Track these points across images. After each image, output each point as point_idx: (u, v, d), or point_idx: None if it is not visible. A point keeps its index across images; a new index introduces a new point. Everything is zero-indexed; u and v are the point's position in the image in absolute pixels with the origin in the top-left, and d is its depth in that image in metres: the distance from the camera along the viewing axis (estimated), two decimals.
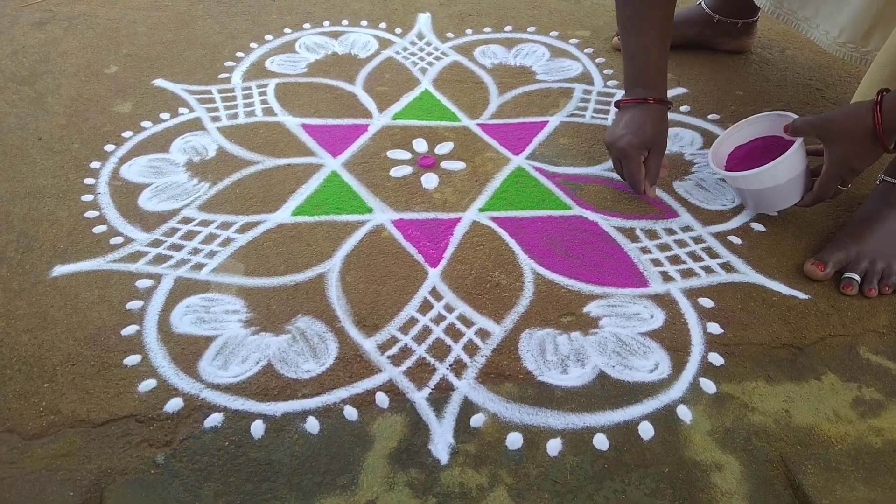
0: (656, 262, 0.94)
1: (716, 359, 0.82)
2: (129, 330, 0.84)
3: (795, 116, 0.92)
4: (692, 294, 0.89)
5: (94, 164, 1.08)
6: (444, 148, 1.13)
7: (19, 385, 0.78)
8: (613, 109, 1.06)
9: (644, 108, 1.00)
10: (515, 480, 0.70)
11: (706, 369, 0.81)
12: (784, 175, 0.91)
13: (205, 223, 0.99)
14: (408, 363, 0.81)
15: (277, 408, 0.76)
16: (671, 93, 1.25)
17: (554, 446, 0.73)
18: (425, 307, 0.87)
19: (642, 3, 0.98)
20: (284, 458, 0.72)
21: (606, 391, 0.78)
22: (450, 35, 1.42)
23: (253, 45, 1.37)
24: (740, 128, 1.00)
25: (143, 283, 0.90)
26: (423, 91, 1.26)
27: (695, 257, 0.95)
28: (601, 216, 1.00)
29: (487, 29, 1.43)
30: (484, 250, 0.95)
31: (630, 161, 0.99)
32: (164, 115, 1.19)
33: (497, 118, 1.20)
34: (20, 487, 0.69)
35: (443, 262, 0.93)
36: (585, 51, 1.37)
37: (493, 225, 0.99)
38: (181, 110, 1.20)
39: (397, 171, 1.08)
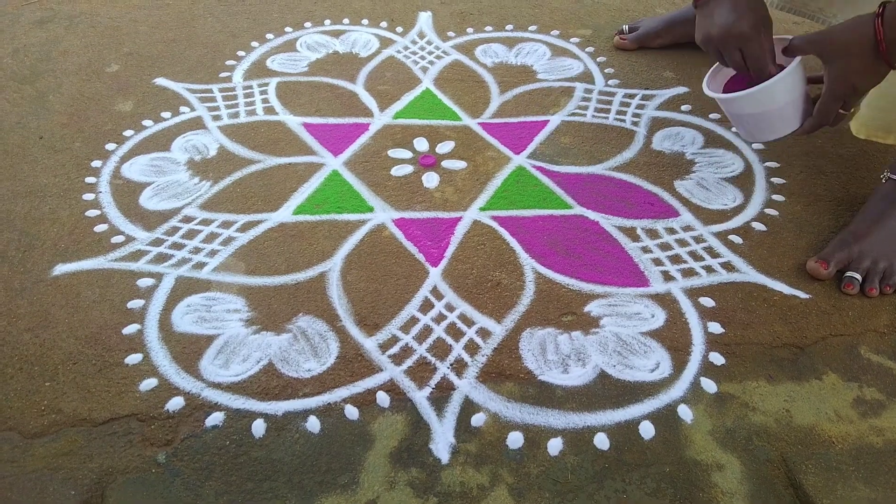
0: (657, 262, 0.94)
1: (717, 358, 0.82)
2: (131, 329, 0.84)
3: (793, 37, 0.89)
4: (693, 293, 0.89)
5: (96, 163, 1.08)
6: (445, 147, 1.13)
7: (20, 384, 0.78)
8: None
9: None
10: (516, 480, 0.70)
11: (707, 369, 0.81)
12: (782, 96, 0.87)
13: (206, 222, 0.99)
14: (409, 362, 0.81)
15: (278, 407, 0.76)
16: (670, 92, 1.25)
17: (555, 446, 0.73)
18: (426, 306, 0.87)
19: None
20: (285, 458, 0.72)
21: (607, 391, 0.78)
22: (451, 34, 1.41)
23: (254, 43, 1.37)
24: None
25: (144, 282, 0.90)
26: (425, 90, 1.26)
27: (696, 257, 0.94)
28: (602, 215, 1.00)
29: (488, 28, 1.43)
30: (485, 249, 0.95)
31: (752, 43, 0.89)
32: (166, 114, 1.19)
33: (498, 117, 1.20)
34: (21, 486, 0.69)
35: (444, 262, 0.93)
36: (586, 50, 1.37)
37: (494, 224, 0.99)
38: (182, 109, 1.20)
39: (398, 170, 1.08)
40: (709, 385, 0.79)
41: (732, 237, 0.97)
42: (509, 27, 1.44)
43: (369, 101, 1.23)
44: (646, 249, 0.95)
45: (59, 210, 1.00)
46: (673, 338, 0.84)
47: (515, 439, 0.74)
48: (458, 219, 1.00)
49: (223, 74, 1.28)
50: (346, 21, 1.45)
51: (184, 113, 1.19)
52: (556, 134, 1.16)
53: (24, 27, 1.41)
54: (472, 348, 0.83)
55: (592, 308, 0.87)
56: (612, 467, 0.72)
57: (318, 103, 1.22)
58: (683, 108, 1.21)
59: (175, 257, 0.93)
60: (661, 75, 1.29)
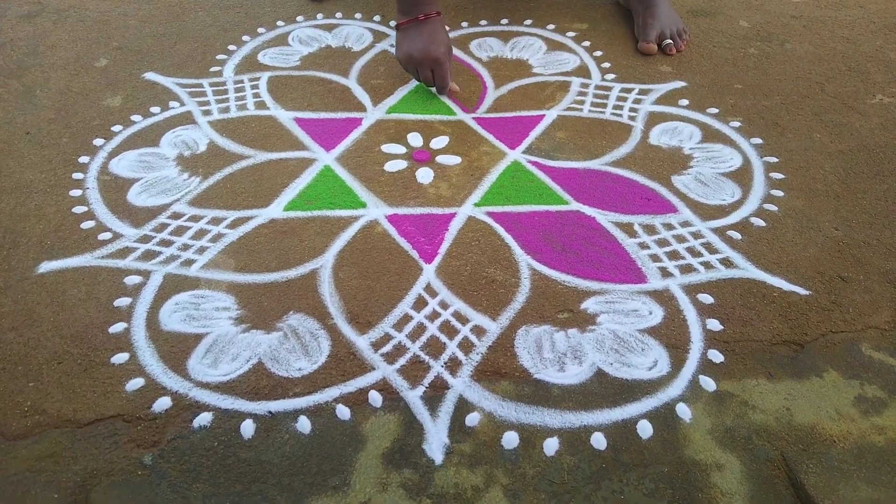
0: (655, 258, 0.92)
1: (715, 356, 0.80)
2: (117, 327, 0.82)
3: None
4: (691, 290, 0.88)
5: (83, 159, 1.06)
6: (439, 142, 1.11)
7: (3, 384, 0.76)
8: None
9: (430, 22, 1.15)
10: (511, 481, 0.69)
11: (706, 367, 0.79)
12: None
13: (195, 218, 0.97)
14: (402, 361, 0.79)
15: (268, 407, 0.75)
16: (668, 87, 1.23)
17: (551, 446, 0.72)
18: (420, 304, 0.86)
19: None
20: (275, 459, 0.70)
21: (604, 389, 0.77)
22: (445, 27, 1.39)
23: (245, 37, 1.35)
24: None
25: (131, 280, 0.88)
26: (418, 84, 1.24)
27: (694, 253, 0.93)
28: (599, 211, 0.99)
29: (483, 22, 1.42)
30: (479, 246, 0.93)
31: (443, 66, 1.16)
32: (155, 109, 1.17)
33: (493, 112, 1.18)
34: (2, 490, 0.67)
35: (437, 258, 0.91)
36: (583, 44, 1.35)
37: (489, 220, 0.97)
38: (172, 104, 1.18)
39: (392, 166, 1.06)
40: (708, 383, 0.78)
41: (731, 233, 0.96)
42: (504, 21, 1.42)
43: (362, 95, 1.21)
44: (643, 245, 0.94)
45: (45, 206, 0.98)
46: (671, 335, 0.83)
47: (511, 439, 0.72)
48: (453, 215, 0.98)
49: (213, 69, 1.26)
50: (338, 15, 1.43)
51: (173, 108, 1.17)
52: (551, 129, 1.14)
53: (11, 21, 1.39)
54: (466, 346, 0.81)
55: (589, 305, 0.86)
56: (610, 467, 0.70)
57: (310, 98, 1.20)
58: (681, 102, 1.20)
59: (163, 254, 0.91)
60: (657, 70, 1.28)
